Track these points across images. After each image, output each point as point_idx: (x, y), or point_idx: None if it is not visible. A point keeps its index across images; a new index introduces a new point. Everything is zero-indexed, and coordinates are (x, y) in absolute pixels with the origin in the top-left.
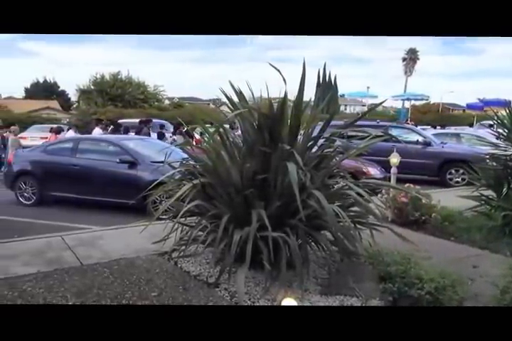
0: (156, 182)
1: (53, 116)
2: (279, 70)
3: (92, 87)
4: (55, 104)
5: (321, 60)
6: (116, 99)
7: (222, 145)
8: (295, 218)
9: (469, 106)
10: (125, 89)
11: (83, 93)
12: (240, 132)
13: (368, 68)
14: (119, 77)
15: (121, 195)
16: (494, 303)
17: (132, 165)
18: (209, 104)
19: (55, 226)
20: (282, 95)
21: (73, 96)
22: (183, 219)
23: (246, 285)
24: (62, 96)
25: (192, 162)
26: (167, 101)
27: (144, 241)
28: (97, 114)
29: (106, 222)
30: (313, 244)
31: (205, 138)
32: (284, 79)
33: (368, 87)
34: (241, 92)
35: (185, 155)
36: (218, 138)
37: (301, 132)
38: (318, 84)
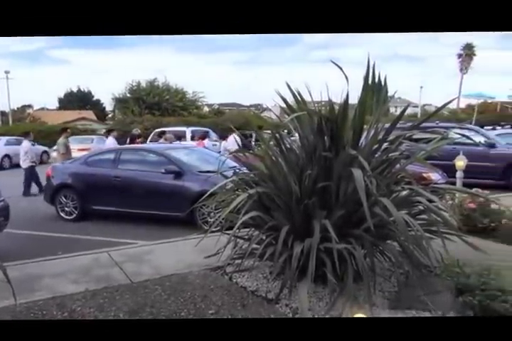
0: (208, 193)
1: (89, 127)
2: (342, 69)
3: (128, 95)
4: (89, 114)
5: (371, 59)
6: (153, 106)
7: (279, 151)
8: (360, 228)
9: None
10: (162, 96)
11: (119, 102)
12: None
13: (421, 66)
14: (156, 83)
15: (167, 208)
16: None
17: (178, 175)
18: (251, 109)
19: (99, 241)
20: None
21: (108, 106)
22: (237, 231)
23: (309, 300)
24: (96, 106)
25: (245, 170)
26: (206, 108)
27: (194, 255)
28: (134, 123)
29: (152, 236)
30: (378, 255)
31: (260, 145)
32: (347, 78)
33: (422, 87)
34: (299, 94)
35: (235, 164)
36: (273, 144)
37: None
38: (367, 85)
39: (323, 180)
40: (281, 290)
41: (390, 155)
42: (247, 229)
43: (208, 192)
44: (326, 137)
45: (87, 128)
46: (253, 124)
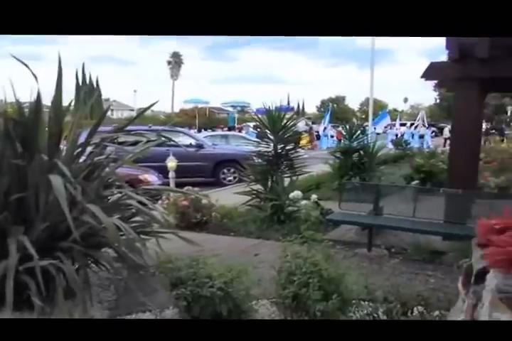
0: None
1: None
2: (28, 66)
3: None
4: None
5: (80, 59)
6: None
7: None
8: (68, 239)
9: (257, 111)
10: None
11: None
12: None
13: (135, 70)
14: None
15: None
16: (273, 283)
17: None
18: None
19: None
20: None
21: None
22: None
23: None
24: None
25: None
26: None
27: None
28: None
29: None
30: (93, 265)
31: None
32: (36, 78)
33: (135, 91)
34: None
35: None
36: None
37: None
38: (78, 86)
39: (17, 191)
40: None
41: (96, 159)
42: None
43: None
44: (16, 143)
45: None
46: None
